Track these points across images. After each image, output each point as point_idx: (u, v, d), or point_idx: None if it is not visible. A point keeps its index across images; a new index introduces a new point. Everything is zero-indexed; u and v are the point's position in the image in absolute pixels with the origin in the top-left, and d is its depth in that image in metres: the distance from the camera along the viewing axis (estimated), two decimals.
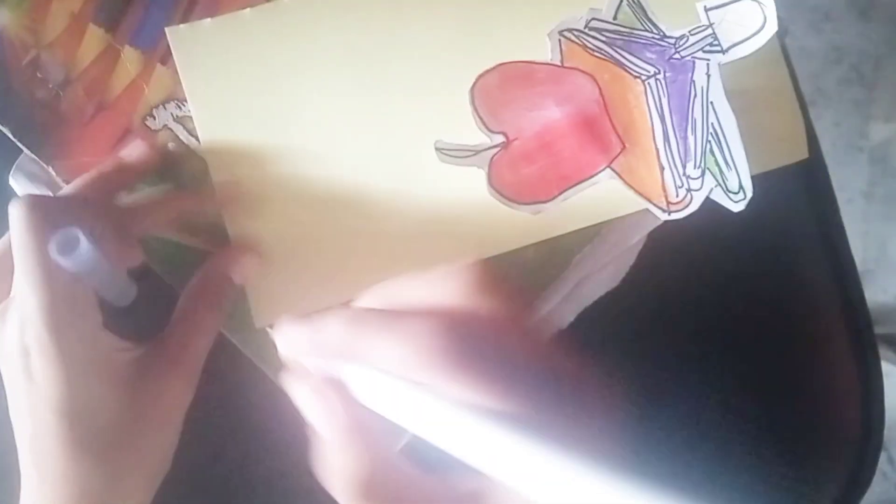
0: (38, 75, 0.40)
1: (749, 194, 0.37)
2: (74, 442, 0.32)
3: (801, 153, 0.40)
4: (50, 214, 0.31)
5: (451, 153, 0.36)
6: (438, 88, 0.38)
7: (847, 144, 1.18)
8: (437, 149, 0.36)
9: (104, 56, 0.40)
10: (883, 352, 0.99)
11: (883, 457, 1.16)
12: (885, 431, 0.43)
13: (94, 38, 0.40)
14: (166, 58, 0.40)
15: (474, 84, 0.36)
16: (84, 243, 0.29)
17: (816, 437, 0.44)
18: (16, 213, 0.31)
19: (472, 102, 0.36)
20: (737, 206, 0.37)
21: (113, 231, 0.33)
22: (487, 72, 0.36)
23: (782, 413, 0.40)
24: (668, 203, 0.37)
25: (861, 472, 0.43)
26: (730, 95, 0.37)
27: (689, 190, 0.37)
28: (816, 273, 0.41)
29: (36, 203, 0.31)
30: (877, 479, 0.43)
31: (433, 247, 0.39)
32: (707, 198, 0.37)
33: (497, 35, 0.38)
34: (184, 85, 0.39)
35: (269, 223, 0.39)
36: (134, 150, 0.39)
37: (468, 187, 0.38)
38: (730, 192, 0.37)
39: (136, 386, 0.33)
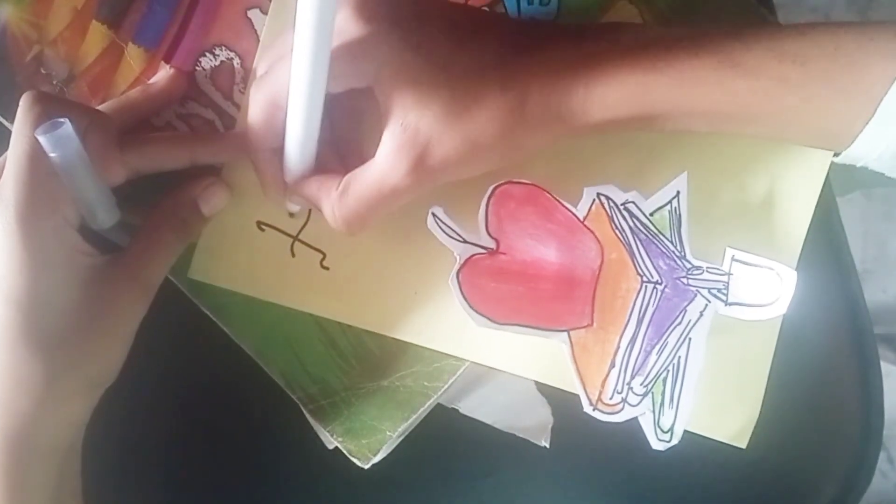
0: (42, 71, 0.40)
1: (675, 441, 0.37)
2: (19, 331, 0.32)
3: (740, 442, 0.40)
4: (50, 108, 0.33)
5: (443, 226, 0.36)
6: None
7: None
8: (432, 212, 0.36)
9: (108, 53, 0.40)
10: (882, 352, 0.99)
11: (882, 456, 1.16)
12: (885, 431, 0.43)
13: (97, 35, 0.40)
14: (170, 56, 0.40)
15: (500, 185, 0.36)
16: (67, 127, 0.31)
17: (816, 437, 0.44)
18: (21, 103, 0.33)
19: (488, 199, 0.36)
20: (658, 445, 0.37)
21: (99, 129, 0.34)
22: (517, 183, 0.36)
23: (782, 412, 0.40)
24: (600, 400, 0.37)
25: (860, 471, 0.43)
26: (709, 344, 0.37)
27: (624, 400, 0.37)
28: (815, 272, 0.41)
29: (40, 97, 0.33)
30: (876, 478, 0.43)
31: (371, 307, 0.40)
32: (635, 418, 0.37)
33: (557, 158, 0.39)
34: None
35: (258, 193, 0.39)
36: (161, 78, 0.40)
37: (437, 270, 0.39)
38: (660, 426, 0.37)
39: (90, 290, 0.33)
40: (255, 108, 0.35)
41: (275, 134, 0.35)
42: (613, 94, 0.32)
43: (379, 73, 0.32)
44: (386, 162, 0.33)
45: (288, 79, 0.32)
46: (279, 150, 0.36)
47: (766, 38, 0.32)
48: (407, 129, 0.32)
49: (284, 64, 0.33)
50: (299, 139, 0.34)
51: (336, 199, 0.35)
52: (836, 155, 0.34)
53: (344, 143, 0.38)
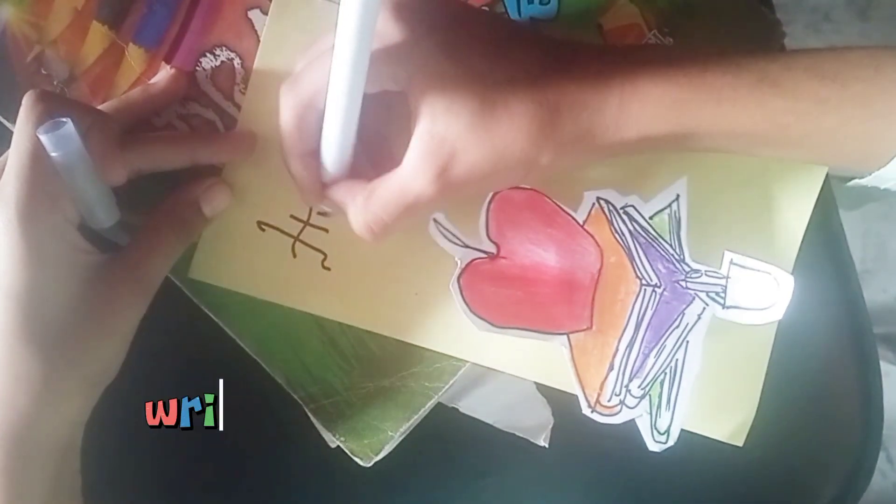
0: (43, 71, 0.40)
1: (671, 442, 0.37)
2: (18, 328, 0.32)
3: (737, 441, 0.40)
4: (52, 107, 0.33)
5: (444, 231, 0.36)
6: None
7: None
8: (433, 218, 0.36)
9: (108, 53, 0.40)
10: (882, 352, 0.99)
11: (882, 456, 1.16)
12: (885, 431, 0.44)
13: (97, 36, 0.40)
14: (170, 56, 0.40)
15: (500, 190, 0.36)
16: (68, 126, 0.31)
17: (816, 437, 0.44)
18: (24, 102, 0.33)
19: (489, 203, 0.36)
20: (655, 447, 0.37)
21: (101, 129, 0.34)
22: (519, 188, 0.36)
23: (782, 412, 0.40)
24: (598, 402, 0.37)
25: (860, 471, 0.44)
26: (706, 347, 0.37)
27: (622, 402, 0.37)
28: (815, 272, 0.41)
29: (43, 96, 0.33)
30: (876, 478, 0.43)
31: (372, 308, 0.40)
32: (632, 420, 0.37)
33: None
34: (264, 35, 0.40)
35: (259, 193, 0.40)
36: (162, 78, 0.40)
37: (438, 273, 0.39)
38: (656, 428, 0.37)
39: (90, 288, 0.33)
40: (289, 111, 0.34)
41: (309, 136, 0.34)
42: (649, 109, 0.32)
43: (412, 79, 0.32)
44: (410, 169, 0.32)
45: (323, 80, 0.31)
46: (314, 153, 0.35)
47: (804, 59, 0.32)
48: (434, 137, 0.32)
49: (318, 65, 0.32)
50: (337, 141, 0.34)
51: (360, 205, 0.34)
52: (861, 176, 0.34)
53: (376, 146, 0.37)
